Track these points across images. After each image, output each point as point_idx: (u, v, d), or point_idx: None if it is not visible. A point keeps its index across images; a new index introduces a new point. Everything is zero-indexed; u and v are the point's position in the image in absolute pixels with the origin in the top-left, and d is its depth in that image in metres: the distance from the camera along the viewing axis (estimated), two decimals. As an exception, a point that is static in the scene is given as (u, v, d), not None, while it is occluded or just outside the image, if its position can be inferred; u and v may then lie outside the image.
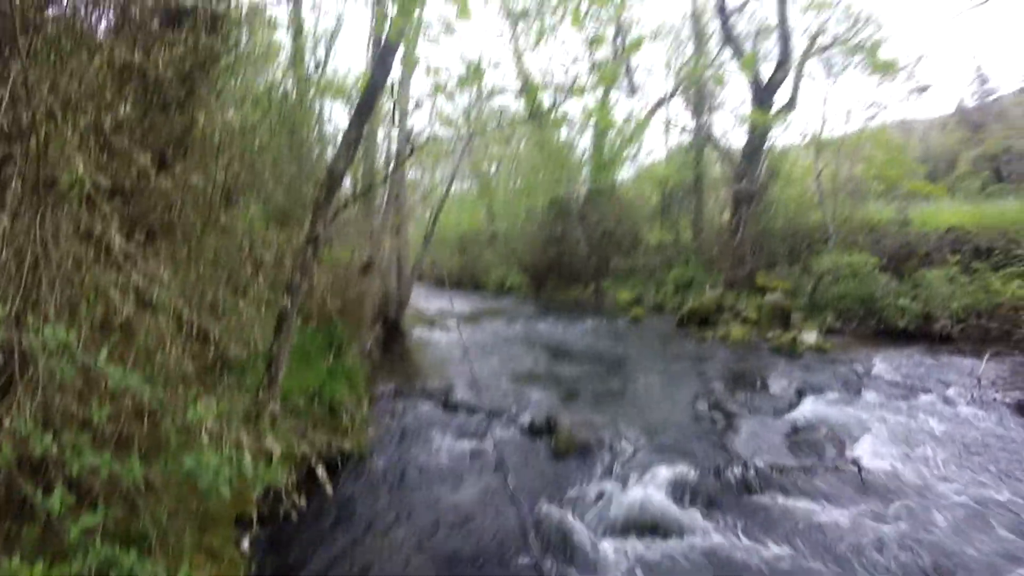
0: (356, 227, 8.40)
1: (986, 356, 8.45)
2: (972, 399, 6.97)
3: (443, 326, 13.61)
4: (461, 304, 18.80)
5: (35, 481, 1.72)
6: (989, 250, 12.04)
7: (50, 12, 2.50)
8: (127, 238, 2.08)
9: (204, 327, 2.56)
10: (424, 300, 16.91)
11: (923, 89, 15.36)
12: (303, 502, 3.04)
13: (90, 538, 1.61)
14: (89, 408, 1.77)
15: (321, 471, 2.57)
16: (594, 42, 5.08)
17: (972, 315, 10.69)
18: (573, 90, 4.89)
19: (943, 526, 4.19)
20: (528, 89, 13.63)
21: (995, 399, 6.96)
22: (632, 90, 17.03)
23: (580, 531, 4.11)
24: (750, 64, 10.36)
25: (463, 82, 4.77)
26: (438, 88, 4.70)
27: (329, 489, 2.98)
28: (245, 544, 3.38)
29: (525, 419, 6.33)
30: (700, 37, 18.83)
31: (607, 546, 3.98)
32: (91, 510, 1.67)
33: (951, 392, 7.28)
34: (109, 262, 2.05)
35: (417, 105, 5.03)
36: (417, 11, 4.49)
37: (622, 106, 19.17)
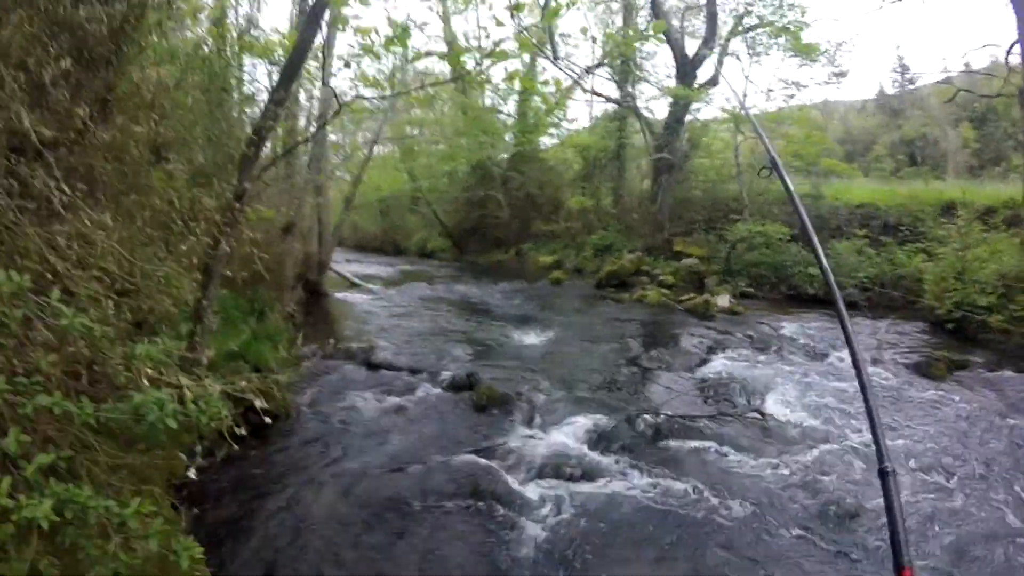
0: (278, 187, 8.26)
1: (887, 321, 9.21)
2: (872, 359, 7.61)
3: (364, 289, 13.56)
4: (383, 267, 18.71)
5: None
6: (896, 226, 13.00)
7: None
8: (69, 191, 2.10)
9: (136, 282, 2.59)
10: (346, 263, 16.70)
11: (842, 74, 16.24)
12: (237, 452, 3.15)
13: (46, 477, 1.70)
14: (35, 356, 1.83)
15: (260, 402, 2.68)
16: (519, 7, 5.17)
17: (877, 284, 11.61)
18: (498, 54, 5.01)
19: (838, 468, 4.66)
20: (453, 52, 13.43)
21: (893, 359, 7.66)
22: (557, 57, 17.09)
23: (501, 476, 4.38)
24: (661, 29, 10.81)
25: (389, 43, 4.80)
26: (365, 49, 4.72)
27: (268, 420, 3.09)
28: (191, 471, 3.46)
29: (446, 376, 6.52)
30: (629, 9, 19.08)
31: (527, 489, 4.24)
32: (44, 451, 1.75)
33: (852, 352, 7.95)
34: (50, 214, 2.07)
35: (345, 65, 5.01)
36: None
37: (548, 72, 19.16)
